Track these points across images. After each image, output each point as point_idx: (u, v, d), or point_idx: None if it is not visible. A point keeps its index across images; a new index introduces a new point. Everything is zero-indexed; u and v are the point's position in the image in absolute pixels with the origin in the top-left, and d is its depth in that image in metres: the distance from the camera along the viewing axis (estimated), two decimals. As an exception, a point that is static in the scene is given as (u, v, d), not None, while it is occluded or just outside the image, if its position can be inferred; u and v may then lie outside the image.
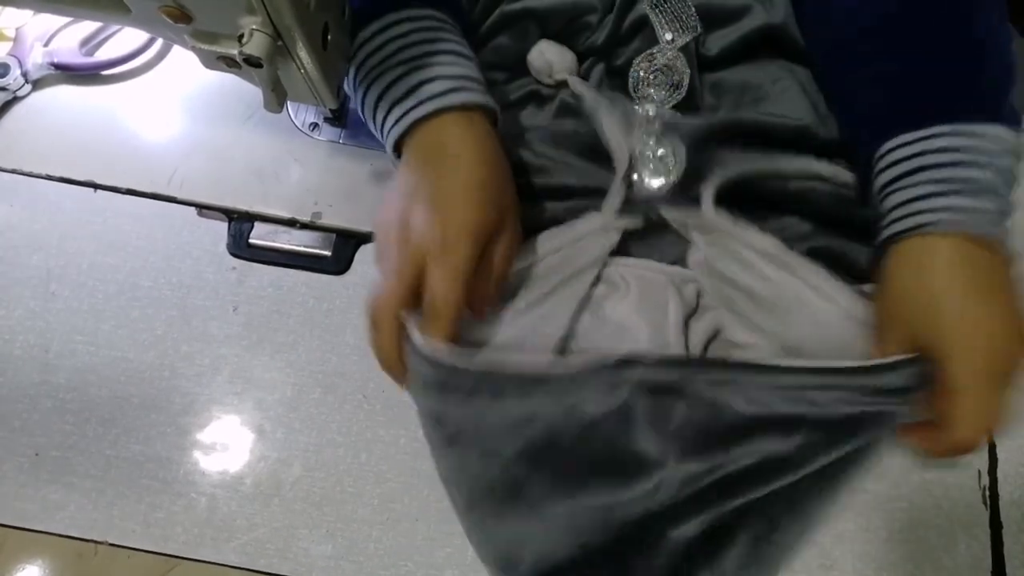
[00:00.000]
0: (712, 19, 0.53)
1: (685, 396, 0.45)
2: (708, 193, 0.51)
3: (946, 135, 0.41)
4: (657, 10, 0.51)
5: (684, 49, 0.52)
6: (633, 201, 0.50)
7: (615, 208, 0.50)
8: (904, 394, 0.46)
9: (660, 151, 0.52)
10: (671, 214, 0.51)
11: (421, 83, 0.44)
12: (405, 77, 0.45)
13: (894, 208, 0.43)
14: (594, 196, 0.51)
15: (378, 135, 0.48)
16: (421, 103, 0.43)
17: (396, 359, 0.41)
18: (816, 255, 0.51)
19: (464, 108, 0.44)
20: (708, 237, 0.51)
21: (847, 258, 0.52)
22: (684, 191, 0.52)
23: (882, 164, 0.44)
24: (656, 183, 0.52)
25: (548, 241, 0.51)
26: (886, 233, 0.43)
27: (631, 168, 0.51)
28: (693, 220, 0.50)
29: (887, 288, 0.43)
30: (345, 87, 0.50)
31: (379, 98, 0.45)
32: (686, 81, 0.53)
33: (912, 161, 0.42)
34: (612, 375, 0.46)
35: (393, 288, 0.41)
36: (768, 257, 0.50)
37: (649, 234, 0.52)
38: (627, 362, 0.46)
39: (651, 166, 0.52)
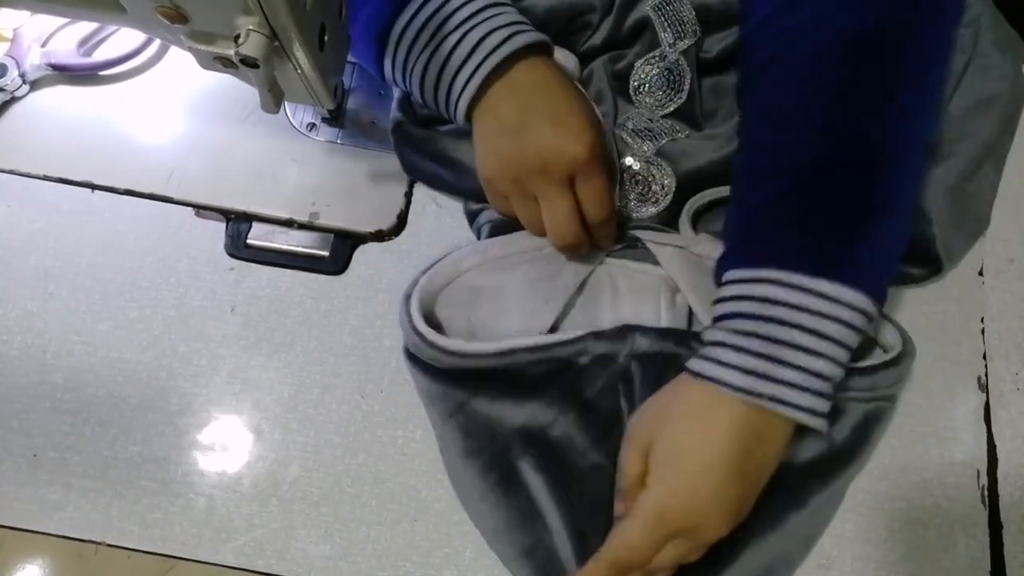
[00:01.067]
0: (711, 22, 0.53)
1: (680, 368, 0.46)
2: (686, 218, 0.52)
3: (772, 285, 0.39)
4: (659, 13, 0.51)
5: (685, 53, 0.52)
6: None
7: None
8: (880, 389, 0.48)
9: (651, 179, 0.52)
10: (652, 238, 0.51)
11: (481, 39, 0.45)
12: (462, 41, 0.45)
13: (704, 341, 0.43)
14: None
15: (442, 109, 0.49)
16: (489, 55, 0.45)
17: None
18: None
19: (528, 49, 0.46)
20: (690, 259, 0.51)
21: None
22: (668, 217, 0.53)
23: (717, 295, 0.44)
24: (645, 212, 0.53)
25: (534, 239, 0.51)
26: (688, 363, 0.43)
27: (621, 193, 0.52)
28: (673, 242, 0.51)
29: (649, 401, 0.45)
30: (387, 71, 0.50)
31: (442, 66, 0.46)
32: (687, 84, 0.53)
33: (729, 306, 0.42)
34: (612, 343, 0.47)
35: (565, 208, 0.44)
36: None
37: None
38: (628, 329, 0.47)
39: (641, 195, 0.52)
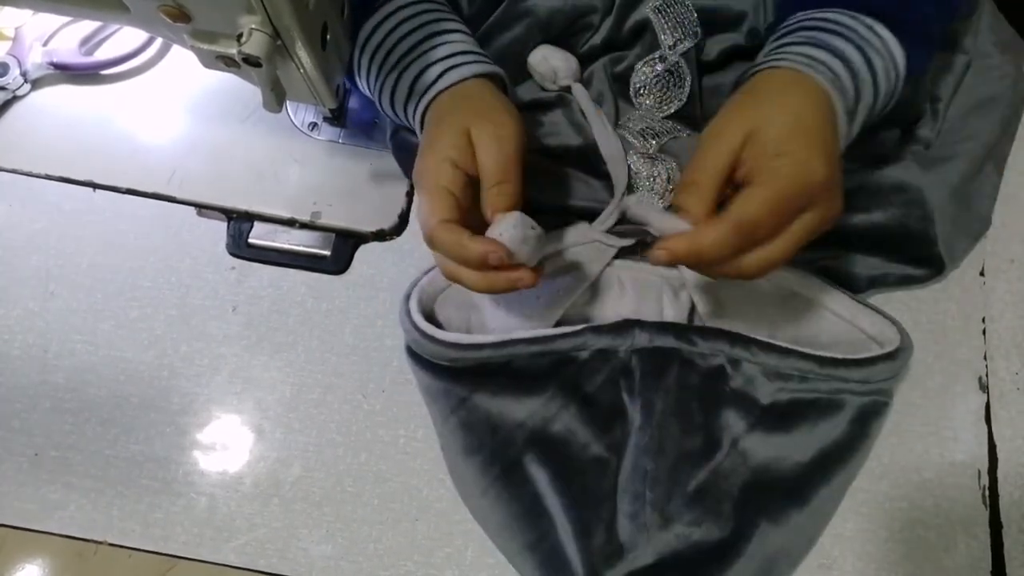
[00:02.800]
0: (712, 24, 0.53)
1: (680, 361, 0.47)
2: None
3: (837, 13, 0.43)
4: (660, 15, 0.52)
5: (685, 55, 0.52)
6: (626, 220, 0.50)
7: (608, 227, 0.51)
8: (878, 382, 0.48)
9: (656, 176, 0.52)
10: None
11: (432, 63, 0.46)
12: (414, 63, 0.47)
13: (765, 53, 0.45)
14: (587, 212, 0.51)
15: (402, 117, 0.50)
16: (438, 79, 0.46)
17: (469, 252, 0.40)
18: (818, 272, 0.51)
19: (476, 76, 0.46)
20: None
21: (846, 272, 0.52)
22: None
23: (778, 31, 0.46)
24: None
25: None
26: (750, 71, 0.44)
27: (627, 190, 0.52)
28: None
29: (729, 99, 0.44)
30: (359, 81, 0.51)
31: (392, 99, 0.48)
32: (688, 86, 0.53)
33: (796, 24, 0.45)
34: (612, 337, 0.47)
35: (434, 203, 0.42)
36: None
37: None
38: (628, 323, 0.48)
39: (648, 190, 0.52)
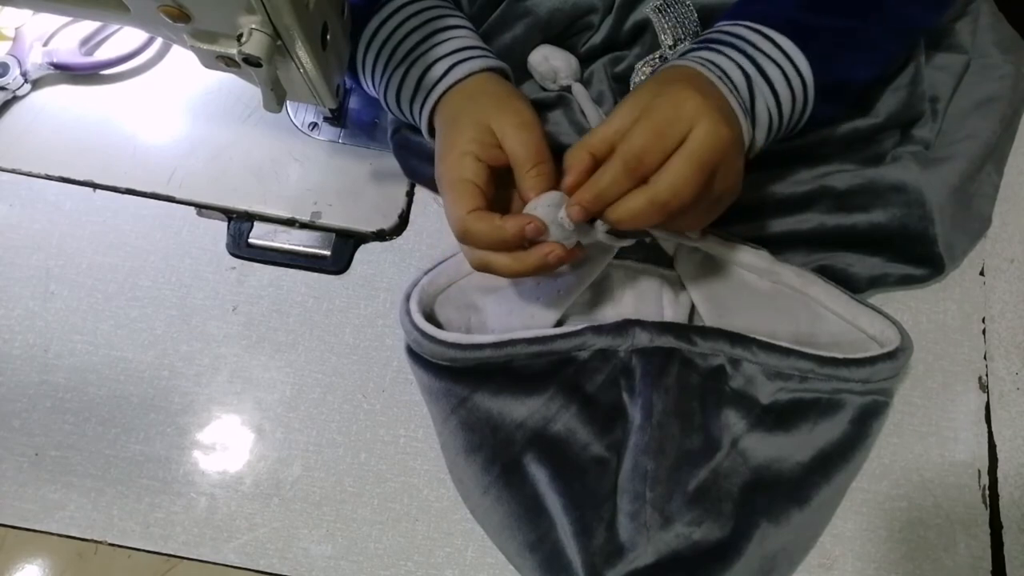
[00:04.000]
0: (713, 22, 0.53)
1: (680, 361, 0.47)
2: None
3: (740, 26, 0.46)
4: (660, 15, 0.51)
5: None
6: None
7: (608, 227, 0.51)
8: (876, 382, 0.48)
9: None
10: (663, 236, 0.51)
11: (423, 75, 0.47)
12: (407, 76, 0.47)
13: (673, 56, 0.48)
14: None
15: (408, 114, 0.50)
16: (445, 75, 0.46)
17: (503, 231, 0.41)
18: (819, 272, 0.52)
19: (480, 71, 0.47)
20: (697, 256, 0.52)
21: (846, 272, 0.52)
22: None
23: (696, 40, 0.48)
24: None
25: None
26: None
27: None
28: (685, 240, 0.51)
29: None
30: (362, 79, 0.51)
31: (397, 96, 0.48)
32: None
33: (707, 35, 0.47)
34: (612, 337, 0.47)
35: (454, 216, 0.42)
36: (757, 271, 0.51)
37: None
38: (627, 323, 0.48)
39: None
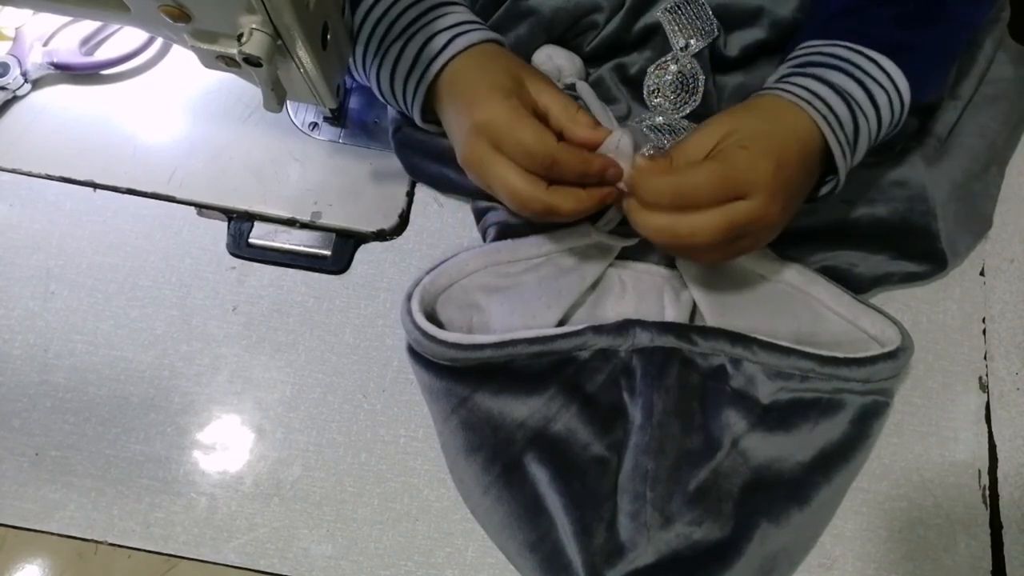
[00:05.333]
0: (731, 20, 0.53)
1: (681, 361, 0.47)
2: None
3: (841, 47, 0.45)
4: (672, 16, 0.51)
5: (698, 55, 0.52)
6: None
7: (611, 227, 0.51)
8: (876, 381, 0.48)
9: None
10: None
11: (422, 47, 0.46)
12: (405, 49, 0.46)
13: (770, 81, 0.47)
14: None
15: (403, 109, 0.50)
16: (447, 46, 0.45)
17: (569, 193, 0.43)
18: (823, 272, 0.52)
19: (470, 47, 0.46)
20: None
21: (850, 272, 0.52)
22: None
23: (787, 58, 0.48)
24: None
25: (540, 246, 0.52)
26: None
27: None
28: None
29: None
30: (354, 63, 0.50)
31: (392, 74, 0.48)
32: (701, 87, 0.52)
33: (802, 57, 0.46)
34: (613, 337, 0.47)
35: (501, 175, 0.43)
36: (759, 269, 0.51)
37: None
38: (628, 323, 0.48)
39: None
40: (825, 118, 0.42)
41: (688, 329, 0.49)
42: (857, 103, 0.43)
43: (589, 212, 0.44)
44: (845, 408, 0.49)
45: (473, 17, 0.48)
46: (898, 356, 0.48)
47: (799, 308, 0.51)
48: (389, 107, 0.56)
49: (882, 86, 0.44)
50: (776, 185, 0.41)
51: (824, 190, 0.46)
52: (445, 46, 0.45)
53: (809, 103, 0.43)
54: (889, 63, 0.44)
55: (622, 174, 0.43)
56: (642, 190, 0.42)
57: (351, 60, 0.50)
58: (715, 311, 0.51)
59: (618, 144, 0.43)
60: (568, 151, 0.42)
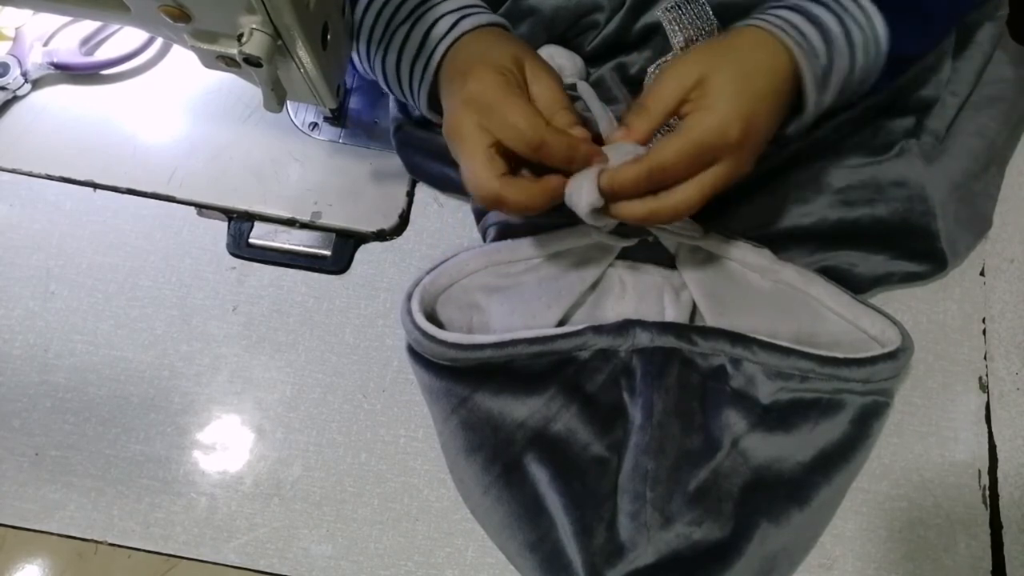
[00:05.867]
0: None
1: (681, 361, 0.47)
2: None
3: None
4: (672, 15, 0.51)
5: None
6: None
7: (611, 227, 0.51)
8: (876, 382, 0.48)
9: None
10: (665, 235, 0.51)
11: (428, 30, 0.45)
12: (411, 33, 0.46)
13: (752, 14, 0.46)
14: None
15: (407, 100, 0.49)
16: (453, 27, 0.45)
17: (529, 189, 0.42)
18: (823, 273, 0.52)
19: (472, 30, 0.45)
20: (699, 255, 0.52)
21: (850, 272, 0.52)
22: None
23: None
24: None
25: (540, 246, 0.52)
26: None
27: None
28: (687, 238, 0.51)
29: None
30: (357, 65, 0.50)
31: (398, 60, 0.47)
32: None
33: None
34: (613, 337, 0.47)
35: (473, 166, 0.41)
36: (759, 269, 0.51)
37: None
38: (628, 323, 0.48)
39: None
40: (799, 45, 0.42)
41: (688, 329, 0.49)
42: (830, 34, 0.43)
43: (539, 208, 0.42)
44: (845, 408, 0.49)
45: (478, 1, 0.47)
46: (898, 356, 0.48)
47: (798, 308, 0.51)
48: (390, 106, 0.56)
49: (859, 25, 0.43)
50: (746, 142, 0.41)
51: (791, 127, 0.45)
52: (452, 27, 0.45)
53: (783, 31, 0.42)
54: (870, 5, 0.44)
55: (607, 162, 0.42)
56: (619, 186, 0.41)
57: (355, 53, 0.50)
58: (715, 311, 0.51)
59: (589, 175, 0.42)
60: (557, 134, 0.41)
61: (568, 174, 0.43)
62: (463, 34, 0.45)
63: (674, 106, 0.42)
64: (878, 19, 0.44)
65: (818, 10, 0.43)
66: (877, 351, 0.48)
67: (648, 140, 0.42)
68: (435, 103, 0.47)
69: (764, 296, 0.51)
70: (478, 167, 0.41)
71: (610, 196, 0.42)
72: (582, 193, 0.42)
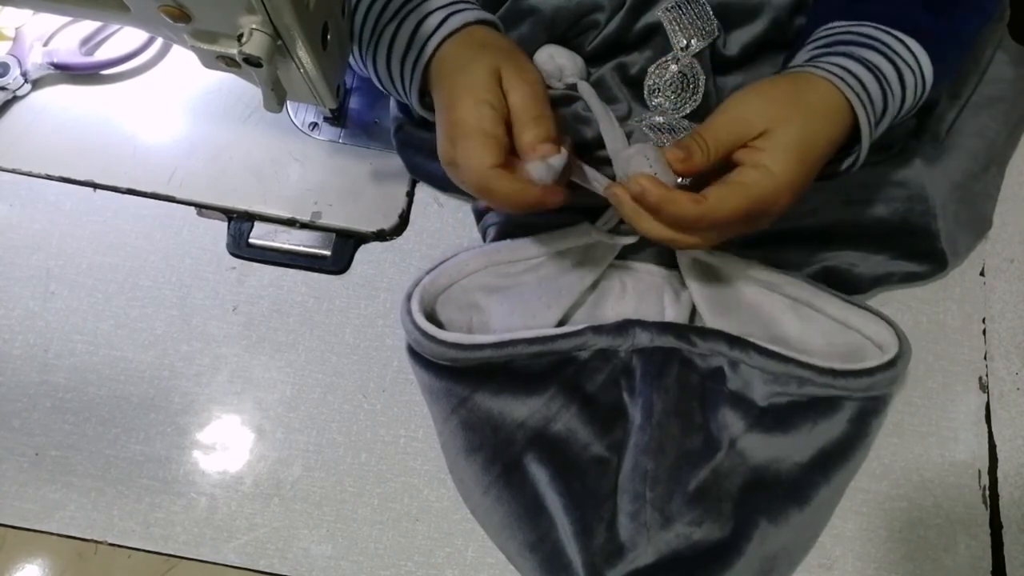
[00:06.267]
0: (730, 18, 0.52)
1: (680, 361, 0.47)
2: None
3: (872, 27, 0.45)
4: (673, 15, 0.51)
5: (699, 55, 0.52)
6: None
7: (611, 226, 0.51)
8: (873, 389, 0.48)
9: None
10: None
11: (416, 27, 0.45)
12: (399, 30, 0.46)
13: (803, 60, 0.46)
14: (590, 211, 0.51)
15: (403, 98, 0.49)
16: (441, 25, 0.45)
17: (520, 189, 0.41)
18: (823, 273, 0.51)
19: (462, 28, 0.45)
20: (695, 258, 0.52)
21: (850, 273, 0.52)
22: None
23: (812, 39, 0.47)
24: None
25: (540, 246, 0.52)
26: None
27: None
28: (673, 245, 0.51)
29: (772, 79, 0.45)
30: (354, 64, 0.50)
31: (388, 58, 0.47)
32: (702, 87, 0.52)
33: (832, 36, 0.46)
34: (613, 337, 0.47)
35: (469, 169, 0.42)
36: (753, 280, 0.51)
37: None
38: (628, 323, 0.48)
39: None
40: (858, 96, 0.42)
41: (687, 330, 0.49)
42: (888, 82, 0.43)
43: (524, 206, 0.42)
44: (843, 407, 0.49)
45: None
46: (896, 364, 0.48)
47: (792, 312, 0.51)
48: (390, 106, 0.56)
49: (910, 67, 0.44)
50: (800, 183, 0.41)
51: (844, 165, 0.45)
52: (441, 24, 0.45)
53: (843, 80, 0.42)
54: (916, 45, 0.44)
55: (561, 202, 0.42)
56: (667, 215, 0.40)
57: (352, 51, 0.50)
58: (711, 311, 0.51)
59: (550, 163, 0.42)
60: (504, 181, 0.41)
61: (572, 186, 0.44)
62: (451, 32, 0.44)
63: (732, 148, 0.41)
64: (924, 58, 0.44)
65: (875, 58, 0.43)
66: (875, 361, 0.48)
67: (694, 175, 0.42)
68: (427, 100, 0.47)
69: (758, 298, 0.51)
70: (472, 150, 0.41)
71: (647, 206, 0.41)
72: (633, 163, 0.42)
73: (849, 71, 0.42)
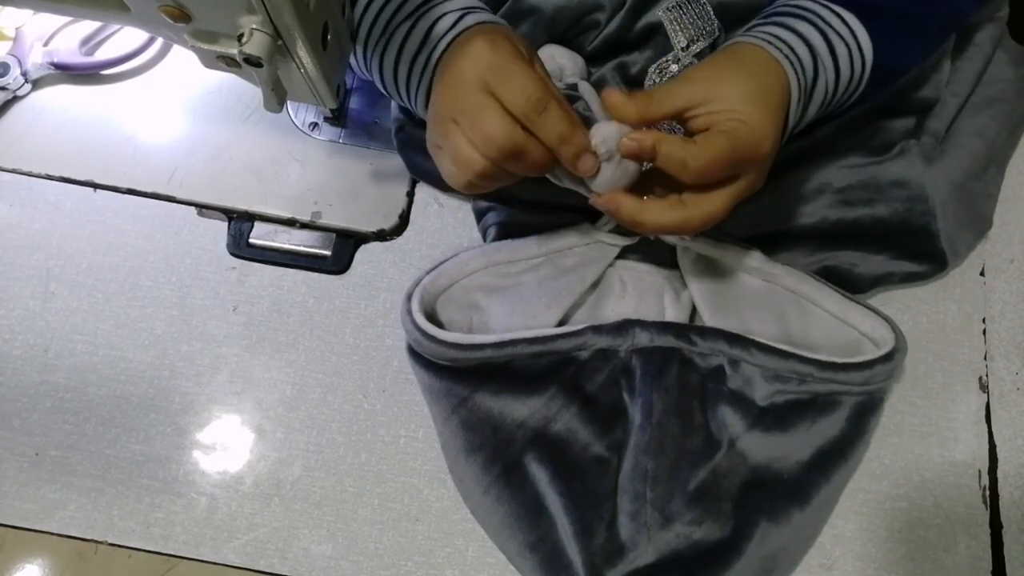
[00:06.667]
0: (731, 19, 0.53)
1: (680, 361, 0.47)
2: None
3: (811, 1, 0.46)
4: (673, 15, 0.51)
5: (699, 55, 0.52)
6: None
7: (611, 226, 0.51)
8: (870, 383, 0.48)
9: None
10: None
11: (429, 28, 0.45)
12: (428, 13, 0.45)
13: (743, 31, 0.47)
14: (590, 212, 0.51)
15: (405, 101, 0.49)
16: (456, 23, 0.44)
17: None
18: (823, 273, 0.52)
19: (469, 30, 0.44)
20: (696, 256, 0.52)
21: (850, 272, 0.52)
22: None
23: (762, 14, 0.48)
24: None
25: (540, 246, 0.52)
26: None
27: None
28: (676, 238, 0.51)
29: (708, 57, 0.46)
30: (354, 64, 0.50)
31: (396, 59, 0.46)
32: None
33: (772, 10, 0.47)
34: (613, 337, 0.47)
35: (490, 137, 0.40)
36: (749, 270, 0.51)
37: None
38: (628, 323, 0.48)
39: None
40: (786, 56, 0.43)
41: (687, 329, 0.49)
42: (814, 48, 0.44)
43: (566, 155, 0.41)
44: (841, 406, 0.49)
45: (479, 2, 0.47)
46: (893, 357, 0.48)
47: (791, 307, 0.52)
48: (392, 107, 0.56)
49: (842, 38, 0.44)
50: (770, 157, 0.41)
51: (789, 127, 0.45)
52: (455, 23, 0.44)
53: (770, 43, 0.43)
54: (854, 19, 0.45)
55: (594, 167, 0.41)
56: (662, 157, 0.40)
57: (354, 53, 0.50)
58: (710, 309, 0.51)
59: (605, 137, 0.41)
60: (561, 103, 0.40)
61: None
62: (465, 30, 0.44)
63: (680, 107, 0.41)
64: (861, 32, 0.45)
65: (803, 27, 0.44)
66: (872, 354, 0.48)
67: (638, 123, 0.41)
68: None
69: (757, 296, 0.52)
70: (494, 121, 0.39)
71: (646, 150, 0.40)
72: (611, 130, 0.41)
73: (776, 36, 0.44)
